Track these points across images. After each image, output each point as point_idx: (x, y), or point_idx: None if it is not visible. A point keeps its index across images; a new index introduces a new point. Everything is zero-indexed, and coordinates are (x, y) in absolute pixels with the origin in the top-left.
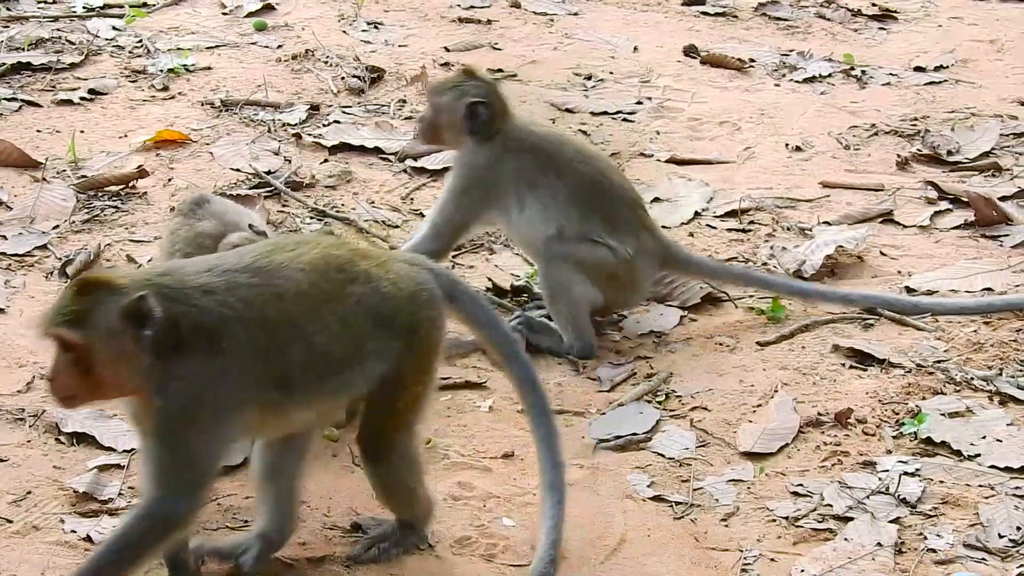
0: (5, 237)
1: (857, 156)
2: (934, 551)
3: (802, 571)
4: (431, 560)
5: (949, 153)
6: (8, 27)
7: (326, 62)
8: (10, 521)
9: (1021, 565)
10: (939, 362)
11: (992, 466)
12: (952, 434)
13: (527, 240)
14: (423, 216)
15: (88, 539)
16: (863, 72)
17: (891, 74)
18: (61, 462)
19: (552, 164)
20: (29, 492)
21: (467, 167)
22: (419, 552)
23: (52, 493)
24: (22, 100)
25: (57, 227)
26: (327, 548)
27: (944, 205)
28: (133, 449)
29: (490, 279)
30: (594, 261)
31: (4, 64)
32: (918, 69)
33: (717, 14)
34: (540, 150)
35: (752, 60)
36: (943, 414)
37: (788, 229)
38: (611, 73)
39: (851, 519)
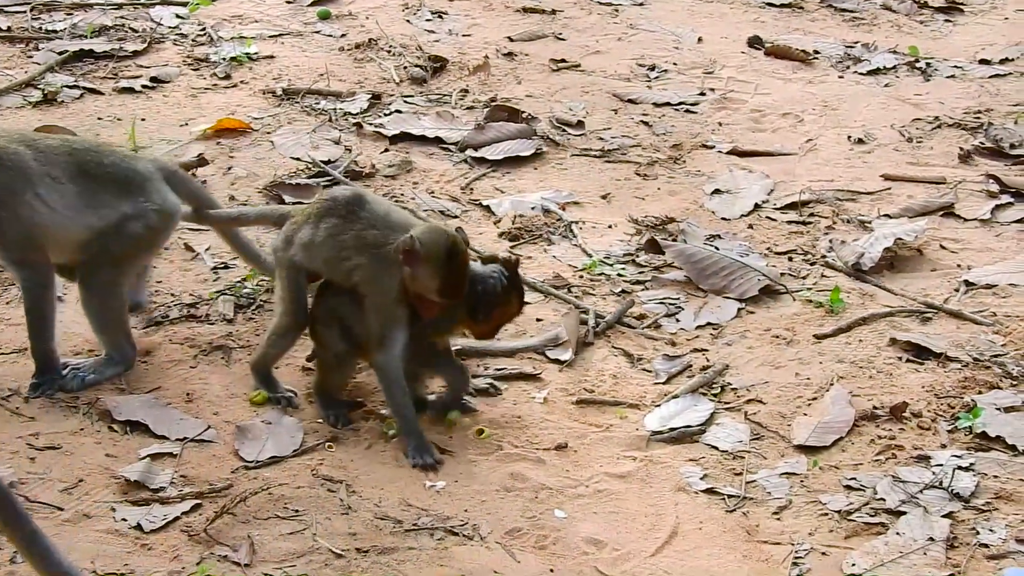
0: None
1: (919, 149)
2: (986, 546)
3: (853, 565)
4: (482, 551)
5: (1012, 147)
6: (72, 14)
7: (389, 51)
8: (61, 509)
9: None
10: (996, 356)
11: None
12: (1008, 429)
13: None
14: (482, 206)
15: (139, 527)
16: (928, 64)
17: (956, 66)
18: (113, 450)
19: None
20: (81, 480)
21: None
22: (469, 543)
23: (104, 481)
24: (84, 88)
25: None
26: (377, 539)
27: (1006, 199)
28: (185, 438)
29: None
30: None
31: (67, 51)
32: (983, 62)
33: (783, 5)
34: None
35: (816, 52)
36: (999, 409)
37: (848, 222)
38: (675, 64)
39: (903, 513)
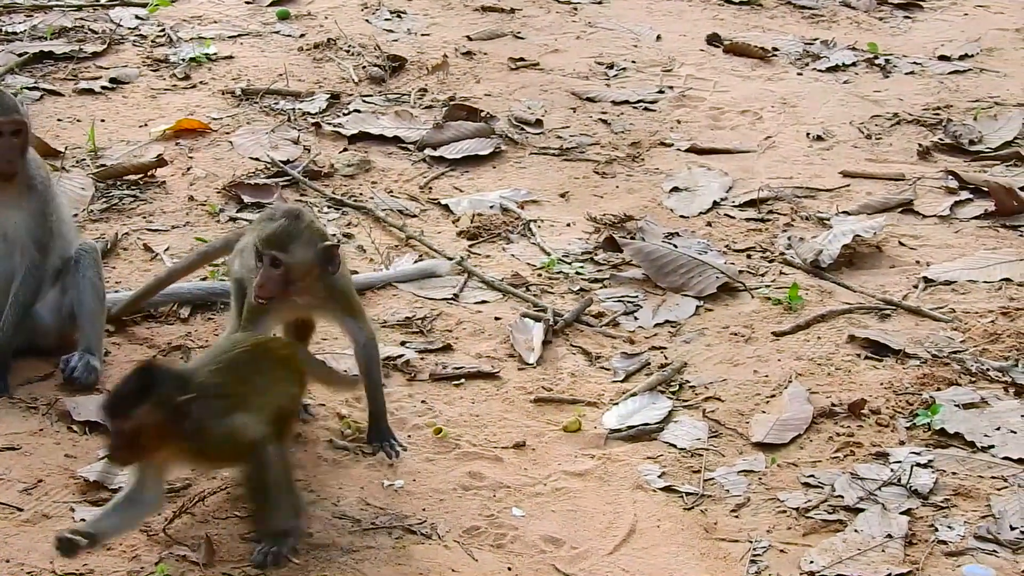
0: None
1: (878, 146)
2: (944, 543)
3: (811, 562)
4: (440, 550)
5: (971, 143)
6: (32, 16)
7: (348, 51)
8: (21, 509)
9: None
10: (955, 353)
11: (1006, 457)
12: (966, 425)
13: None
14: (441, 205)
15: None
16: (887, 61)
17: (915, 63)
18: (73, 451)
19: None
20: (40, 480)
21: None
22: (427, 542)
23: (63, 482)
24: (44, 89)
25: (75, 216)
26: (336, 538)
27: (965, 195)
28: None
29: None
30: None
31: (27, 53)
32: (943, 58)
33: (741, 3)
34: None
35: (775, 49)
36: (957, 405)
37: (807, 219)
38: (633, 62)
39: (862, 510)
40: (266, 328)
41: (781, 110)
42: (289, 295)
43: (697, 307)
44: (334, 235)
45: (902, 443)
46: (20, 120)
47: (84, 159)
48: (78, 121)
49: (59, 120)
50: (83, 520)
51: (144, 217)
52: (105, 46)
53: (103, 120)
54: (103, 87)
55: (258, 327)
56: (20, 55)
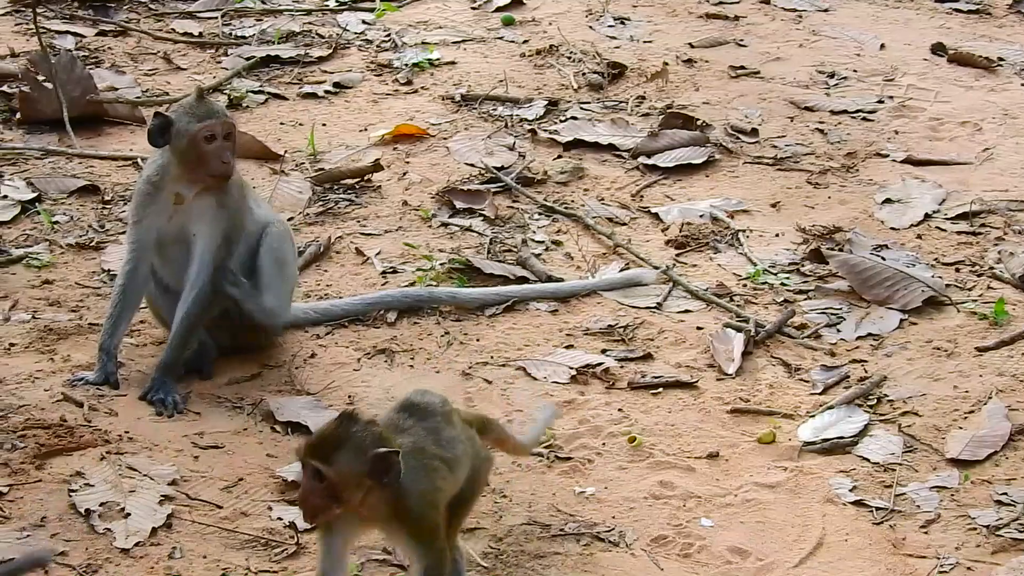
0: None
1: None
2: None
3: None
4: (626, 558)
5: None
6: (261, 20)
7: (569, 58)
8: (220, 507)
9: None
10: None
11: None
12: None
13: None
14: (651, 214)
15: (292, 526)
16: None
17: None
18: (274, 450)
19: None
20: (241, 479)
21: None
22: (615, 549)
23: (263, 480)
24: (269, 93)
25: (291, 219)
26: (525, 543)
27: None
28: None
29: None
30: None
31: (254, 57)
32: None
33: (970, 11)
34: None
35: (1001, 59)
36: None
37: (1020, 232)
38: (855, 71)
39: None
40: (338, 556)
41: (1002, 122)
42: (338, 513)
43: (901, 320)
44: (402, 443)
45: None
46: (230, 122)
47: (303, 162)
48: (300, 125)
49: (281, 123)
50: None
51: (358, 221)
52: (331, 50)
53: (324, 124)
54: (326, 91)
55: (330, 555)
56: (248, 59)
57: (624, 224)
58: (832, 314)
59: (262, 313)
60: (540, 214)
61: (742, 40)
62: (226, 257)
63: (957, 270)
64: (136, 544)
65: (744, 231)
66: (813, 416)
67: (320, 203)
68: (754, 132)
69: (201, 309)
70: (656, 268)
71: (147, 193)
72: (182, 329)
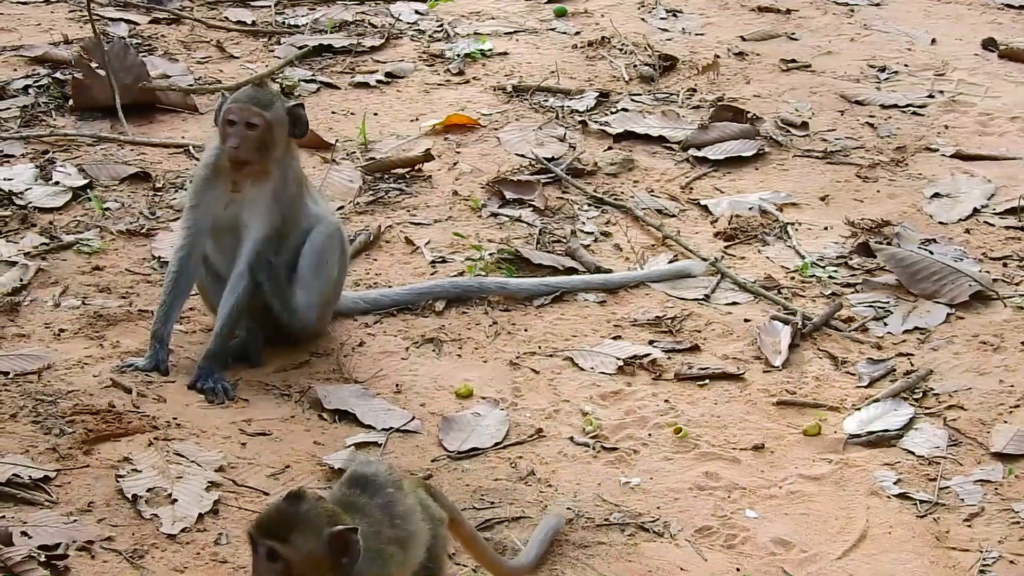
0: None
1: None
2: None
3: None
4: (670, 548)
5: None
6: (314, 9)
7: (621, 49)
8: (267, 494)
9: None
10: None
11: None
12: None
13: None
14: (700, 206)
15: None
16: None
17: None
18: (321, 438)
19: None
20: (288, 466)
21: None
22: (659, 540)
23: (309, 468)
24: (321, 82)
25: (341, 207)
26: (569, 533)
27: None
28: (391, 428)
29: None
30: None
31: (306, 46)
32: None
33: (1022, 7)
34: None
35: None
36: None
37: None
38: (906, 65)
39: None
40: None
41: None
42: None
43: (948, 314)
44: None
45: None
46: (256, 112)
47: (354, 152)
48: (352, 114)
49: (333, 113)
50: None
51: (408, 211)
52: (383, 40)
53: (376, 114)
54: (378, 81)
55: None
56: (300, 47)
57: (673, 216)
58: (879, 308)
59: (288, 310)
60: (589, 205)
61: (793, 34)
62: (275, 250)
63: (1005, 265)
64: (183, 530)
65: (793, 224)
66: (859, 409)
67: (370, 192)
68: (804, 125)
69: (247, 299)
70: (704, 260)
71: (204, 177)
72: (228, 319)
